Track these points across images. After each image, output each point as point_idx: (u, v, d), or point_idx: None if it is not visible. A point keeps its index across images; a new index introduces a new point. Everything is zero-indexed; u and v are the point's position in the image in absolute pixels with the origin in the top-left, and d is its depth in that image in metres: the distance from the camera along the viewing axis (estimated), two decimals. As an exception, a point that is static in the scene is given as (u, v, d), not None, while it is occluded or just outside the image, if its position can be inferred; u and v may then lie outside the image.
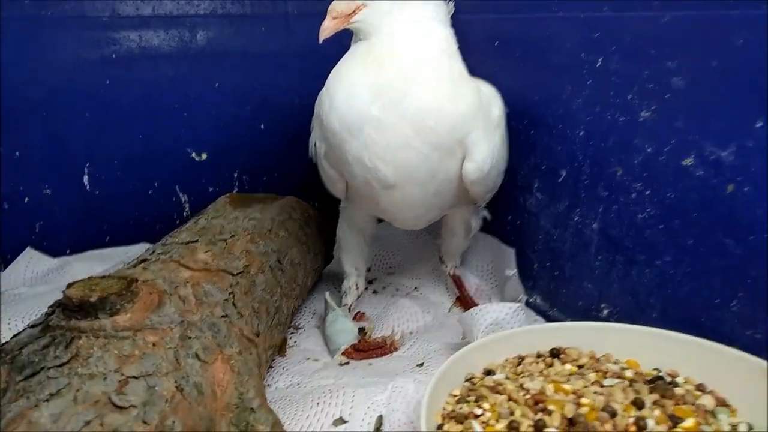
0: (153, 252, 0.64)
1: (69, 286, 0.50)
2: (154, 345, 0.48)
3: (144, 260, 0.61)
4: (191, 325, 0.52)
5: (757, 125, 0.52)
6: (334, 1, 0.66)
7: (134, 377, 0.45)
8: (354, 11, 0.66)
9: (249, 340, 0.58)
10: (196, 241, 0.66)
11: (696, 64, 0.57)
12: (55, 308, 0.50)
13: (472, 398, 0.52)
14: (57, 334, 0.47)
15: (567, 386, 0.51)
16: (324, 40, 0.66)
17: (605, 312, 0.70)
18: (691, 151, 0.58)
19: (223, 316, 0.56)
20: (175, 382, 0.47)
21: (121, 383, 0.44)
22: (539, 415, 0.49)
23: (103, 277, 0.52)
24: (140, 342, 0.48)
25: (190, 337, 0.51)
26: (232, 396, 0.51)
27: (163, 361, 0.48)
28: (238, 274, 0.64)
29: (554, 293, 0.79)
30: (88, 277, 0.52)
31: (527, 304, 0.82)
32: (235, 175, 1.09)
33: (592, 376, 0.54)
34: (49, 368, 0.44)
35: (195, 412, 0.47)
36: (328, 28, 0.66)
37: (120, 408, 0.42)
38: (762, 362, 0.51)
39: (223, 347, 0.54)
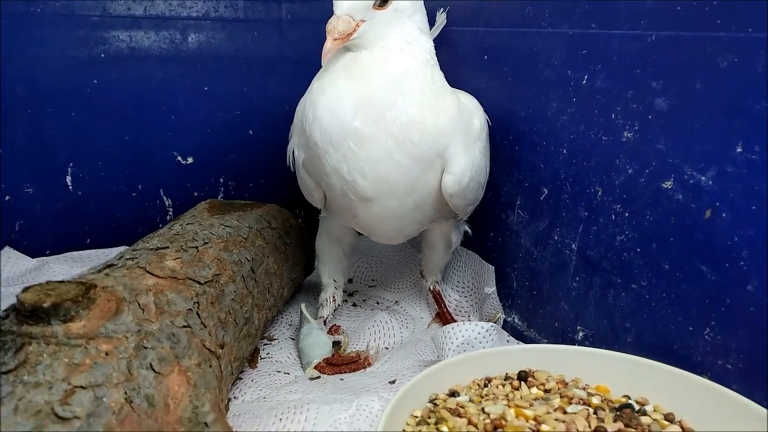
0: (121, 257, 0.63)
1: (25, 289, 0.48)
2: (106, 354, 0.47)
3: (110, 266, 0.60)
4: (149, 335, 0.51)
5: (737, 150, 0.51)
6: (331, 21, 0.63)
7: (82, 387, 0.44)
8: (354, 29, 0.64)
9: (210, 352, 0.56)
10: (167, 247, 0.65)
11: (680, 86, 0.56)
12: (9, 312, 0.49)
13: (433, 420, 0.51)
14: (7, 339, 0.46)
15: (528, 412, 0.49)
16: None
17: (581, 334, 0.68)
18: (671, 174, 0.56)
19: (184, 326, 0.55)
20: (125, 393, 0.46)
21: (66, 393, 0.43)
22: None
23: (62, 281, 0.51)
24: (92, 351, 0.47)
25: (146, 347, 0.50)
26: (186, 409, 0.50)
27: (115, 371, 0.46)
28: (206, 283, 0.62)
29: (532, 313, 0.77)
30: (46, 281, 0.50)
31: (505, 322, 0.81)
32: (221, 180, 1.08)
33: (557, 401, 0.52)
34: (-6, 375, 0.42)
35: (144, 425, 0.45)
36: (331, 50, 0.63)
37: (62, 419, 0.41)
38: (731, 394, 0.49)
39: (181, 359, 0.52)
